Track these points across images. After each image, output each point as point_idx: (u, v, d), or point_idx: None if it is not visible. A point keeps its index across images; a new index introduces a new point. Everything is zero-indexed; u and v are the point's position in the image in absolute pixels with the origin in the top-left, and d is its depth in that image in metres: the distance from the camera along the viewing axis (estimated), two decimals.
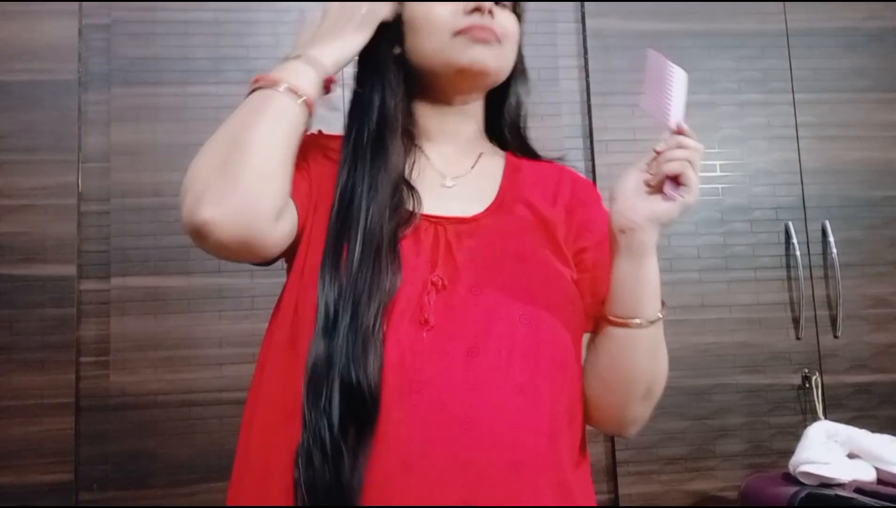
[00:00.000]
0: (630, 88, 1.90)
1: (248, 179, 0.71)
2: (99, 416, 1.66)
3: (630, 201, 0.79)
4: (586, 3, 1.91)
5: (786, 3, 1.97)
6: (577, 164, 1.87)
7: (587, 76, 1.90)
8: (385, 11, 0.85)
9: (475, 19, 0.83)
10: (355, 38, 0.83)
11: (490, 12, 0.83)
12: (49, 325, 1.65)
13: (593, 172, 1.86)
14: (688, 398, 1.80)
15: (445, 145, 0.89)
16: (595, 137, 1.87)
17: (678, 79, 0.79)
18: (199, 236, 0.70)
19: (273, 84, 0.76)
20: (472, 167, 0.88)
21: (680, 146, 0.78)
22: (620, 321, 0.77)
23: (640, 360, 0.79)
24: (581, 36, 1.92)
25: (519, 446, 0.70)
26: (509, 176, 0.89)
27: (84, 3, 1.77)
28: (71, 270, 1.68)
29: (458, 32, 0.83)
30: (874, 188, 1.92)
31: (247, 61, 1.81)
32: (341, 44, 0.82)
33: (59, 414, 1.63)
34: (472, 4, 0.83)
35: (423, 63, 0.85)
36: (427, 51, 0.84)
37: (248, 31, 1.82)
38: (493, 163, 0.91)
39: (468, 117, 0.91)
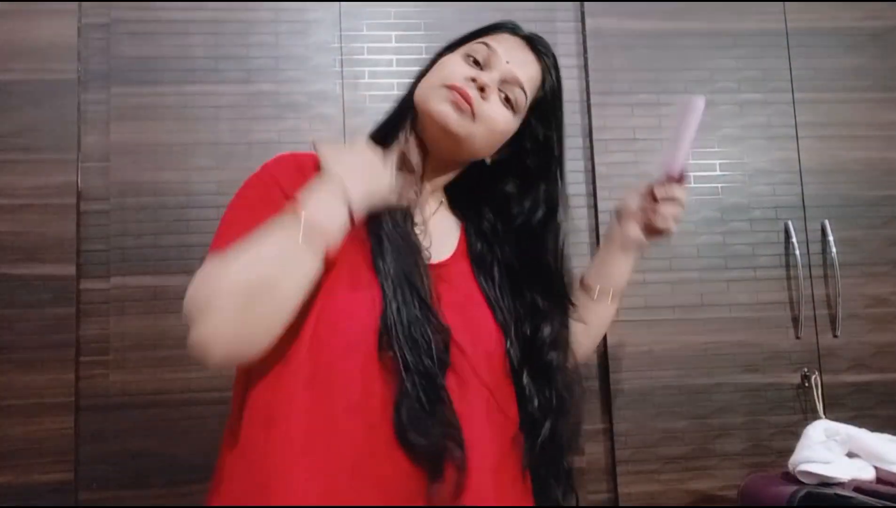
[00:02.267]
0: (630, 87, 1.90)
1: (270, 335, 0.75)
2: (99, 416, 1.66)
3: (630, 224, 1.09)
4: (586, 3, 1.91)
5: (786, 3, 1.97)
6: (577, 163, 1.87)
7: (587, 76, 1.90)
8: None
9: (465, 85, 0.91)
10: (383, 185, 0.87)
11: (483, 90, 0.90)
12: (49, 325, 1.65)
13: (593, 171, 1.86)
14: (687, 397, 1.80)
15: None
16: (595, 137, 1.87)
17: (694, 119, 1.02)
18: (196, 353, 0.73)
19: (312, 234, 0.76)
20: (434, 214, 0.99)
21: (672, 199, 1.05)
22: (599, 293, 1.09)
23: (599, 322, 1.12)
24: (581, 36, 1.92)
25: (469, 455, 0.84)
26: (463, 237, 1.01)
27: (84, 2, 1.77)
28: (71, 269, 1.68)
29: (447, 86, 0.91)
30: (874, 188, 1.92)
31: (246, 61, 1.81)
32: (370, 192, 0.84)
33: (58, 414, 1.63)
34: (473, 74, 0.91)
35: (417, 97, 0.95)
36: (423, 88, 0.95)
37: (247, 30, 1.82)
38: (448, 216, 1.02)
39: (445, 173, 1.00)
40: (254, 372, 0.82)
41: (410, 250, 0.87)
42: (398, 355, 0.81)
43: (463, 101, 0.89)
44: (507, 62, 0.94)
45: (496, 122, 0.92)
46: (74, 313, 1.66)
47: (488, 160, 1.00)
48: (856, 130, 1.94)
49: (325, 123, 1.79)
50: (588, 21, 1.90)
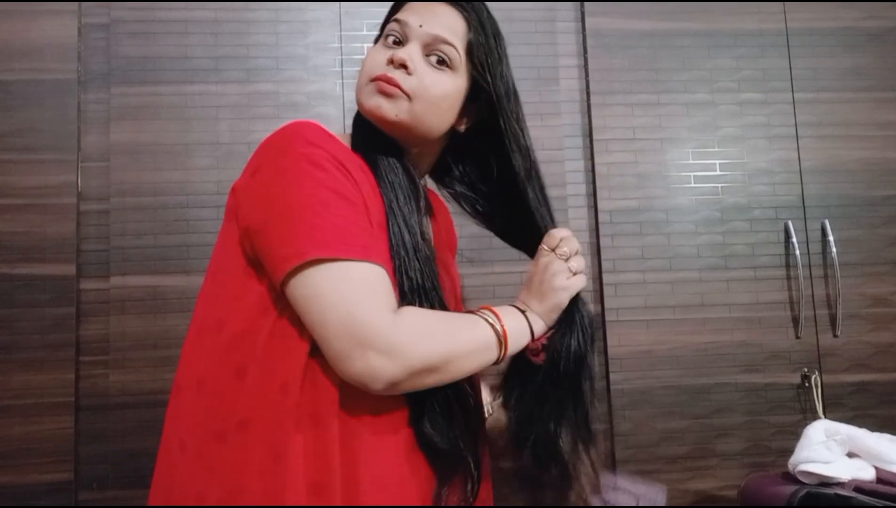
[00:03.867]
0: (630, 87, 1.90)
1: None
2: (99, 415, 1.66)
3: None
4: (586, 3, 1.91)
5: (786, 2, 1.97)
6: (577, 163, 1.87)
7: (587, 76, 1.90)
8: (582, 284, 0.91)
9: (387, 70, 0.86)
10: (560, 300, 0.89)
11: (404, 66, 0.86)
12: (49, 324, 1.65)
13: (593, 171, 1.86)
14: (687, 397, 1.80)
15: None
16: (595, 137, 1.87)
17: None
18: (361, 375, 0.75)
19: (500, 339, 0.83)
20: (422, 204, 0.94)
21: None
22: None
23: None
24: (581, 35, 1.92)
25: None
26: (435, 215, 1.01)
27: (84, 2, 1.77)
28: (71, 269, 1.68)
29: (371, 80, 0.87)
30: (874, 188, 1.92)
31: (246, 60, 1.81)
32: (548, 307, 0.89)
33: (58, 414, 1.63)
34: (389, 55, 0.87)
35: (357, 103, 0.91)
36: (357, 89, 0.91)
37: (247, 30, 1.82)
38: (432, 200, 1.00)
39: (426, 159, 0.96)
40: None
41: (432, 267, 0.87)
42: None
43: (388, 85, 0.85)
44: (421, 26, 0.88)
45: (433, 91, 0.87)
46: (74, 314, 1.66)
47: (462, 128, 0.93)
48: (856, 130, 1.94)
49: (324, 122, 1.79)
50: (588, 21, 1.90)
